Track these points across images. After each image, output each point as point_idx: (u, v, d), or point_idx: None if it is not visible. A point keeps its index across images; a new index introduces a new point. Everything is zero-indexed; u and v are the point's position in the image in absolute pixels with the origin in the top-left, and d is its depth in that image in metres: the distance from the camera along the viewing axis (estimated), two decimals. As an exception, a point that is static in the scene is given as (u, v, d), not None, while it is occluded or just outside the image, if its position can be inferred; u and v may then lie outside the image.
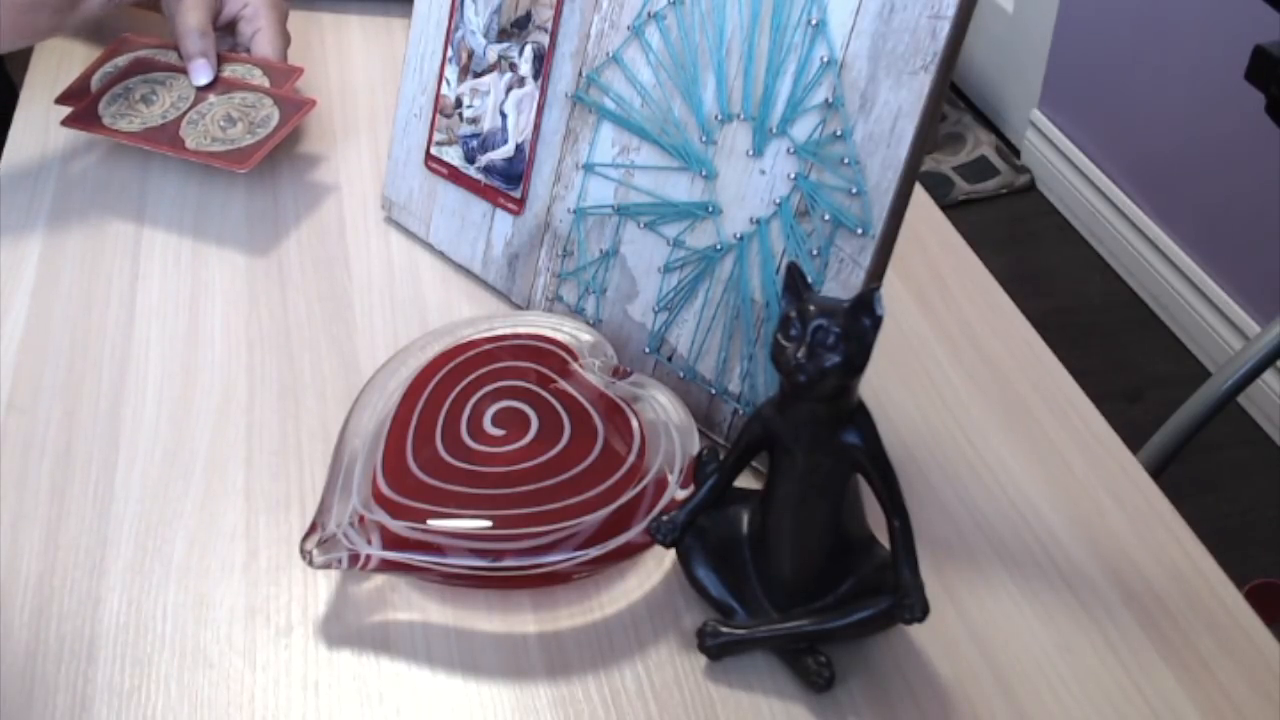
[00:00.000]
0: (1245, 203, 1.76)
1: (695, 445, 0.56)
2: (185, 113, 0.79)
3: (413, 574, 0.54)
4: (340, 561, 0.52)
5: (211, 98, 0.80)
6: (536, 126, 0.66)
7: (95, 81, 0.82)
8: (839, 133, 0.53)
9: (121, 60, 0.83)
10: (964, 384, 0.66)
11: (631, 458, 0.55)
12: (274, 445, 0.62)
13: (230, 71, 0.82)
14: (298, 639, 0.53)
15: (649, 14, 0.60)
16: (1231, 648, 0.53)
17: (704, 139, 0.58)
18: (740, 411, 0.60)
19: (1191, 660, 0.53)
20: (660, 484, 0.54)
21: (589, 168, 0.64)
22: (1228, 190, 1.80)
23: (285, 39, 0.86)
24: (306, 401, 0.64)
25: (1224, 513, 1.66)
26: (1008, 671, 0.52)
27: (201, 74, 0.81)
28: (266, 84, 0.81)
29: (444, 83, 0.71)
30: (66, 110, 0.80)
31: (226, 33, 0.86)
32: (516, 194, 0.68)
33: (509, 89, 0.67)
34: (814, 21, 0.54)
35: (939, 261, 0.75)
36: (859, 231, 0.53)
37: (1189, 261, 1.90)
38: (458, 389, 0.58)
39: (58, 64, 0.91)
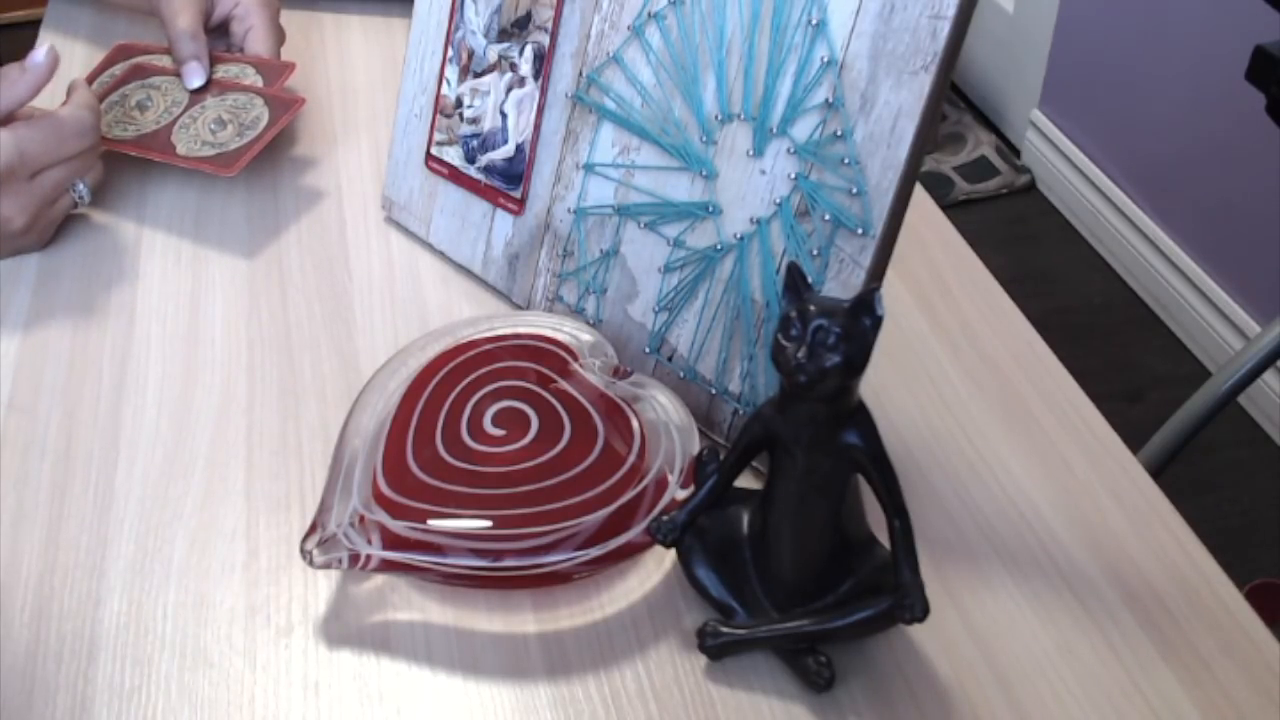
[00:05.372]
0: (1245, 203, 1.76)
1: (695, 445, 0.56)
2: (178, 117, 0.79)
3: (413, 574, 0.54)
4: (340, 561, 0.52)
5: (206, 100, 0.80)
6: (537, 126, 0.66)
7: (93, 89, 0.82)
8: (839, 133, 0.53)
9: (118, 68, 0.83)
10: (964, 384, 0.66)
11: (631, 458, 0.55)
12: (274, 445, 0.62)
13: (224, 72, 0.82)
14: (298, 639, 0.53)
15: (649, 14, 0.60)
16: (1231, 648, 0.53)
17: (704, 139, 0.58)
18: (740, 411, 0.60)
19: (1191, 660, 0.53)
20: (660, 484, 0.54)
21: (589, 168, 0.64)
22: (1228, 190, 1.79)
23: (278, 35, 0.86)
24: (306, 401, 0.64)
25: (1224, 513, 1.66)
26: (1008, 671, 0.52)
27: (194, 77, 0.80)
28: (260, 83, 0.81)
29: (444, 83, 0.71)
30: None
31: (220, 33, 0.86)
32: (516, 194, 0.68)
33: (509, 89, 0.67)
34: (814, 21, 0.54)
35: (939, 261, 0.75)
36: (859, 231, 0.53)
37: (1189, 261, 1.90)
38: (458, 389, 0.58)
39: (58, 71, 0.91)
